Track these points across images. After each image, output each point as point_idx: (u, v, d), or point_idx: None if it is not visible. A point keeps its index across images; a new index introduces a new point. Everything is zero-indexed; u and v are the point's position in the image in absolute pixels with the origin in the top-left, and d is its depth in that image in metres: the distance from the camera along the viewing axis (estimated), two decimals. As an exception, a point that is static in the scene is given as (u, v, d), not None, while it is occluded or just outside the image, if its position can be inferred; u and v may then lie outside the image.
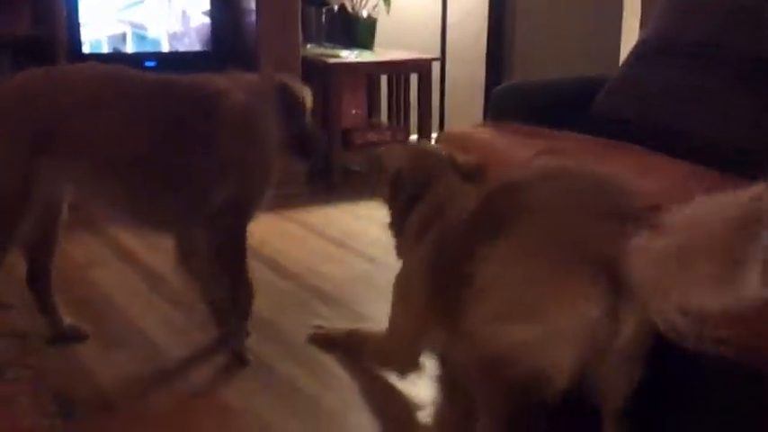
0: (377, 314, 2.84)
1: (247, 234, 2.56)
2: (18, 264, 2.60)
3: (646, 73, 2.72)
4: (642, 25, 3.51)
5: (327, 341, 2.66)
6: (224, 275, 2.54)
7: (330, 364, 2.57)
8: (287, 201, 3.98)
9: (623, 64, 2.90)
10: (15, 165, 2.30)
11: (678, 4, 2.75)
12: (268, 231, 3.68)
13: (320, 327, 2.74)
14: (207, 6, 4.28)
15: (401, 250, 2.31)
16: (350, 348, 2.58)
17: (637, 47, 2.87)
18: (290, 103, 2.58)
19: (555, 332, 1.60)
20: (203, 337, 2.66)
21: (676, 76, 2.61)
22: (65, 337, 2.63)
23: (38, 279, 2.61)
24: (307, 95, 2.65)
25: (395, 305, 2.31)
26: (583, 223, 1.71)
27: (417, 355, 2.28)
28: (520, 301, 1.66)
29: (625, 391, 1.75)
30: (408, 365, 2.31)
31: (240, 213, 2.52)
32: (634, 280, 1.57)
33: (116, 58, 4.07)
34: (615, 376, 1.72)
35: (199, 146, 2.42)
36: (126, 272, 3.28)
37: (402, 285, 2.27)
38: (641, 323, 1.58)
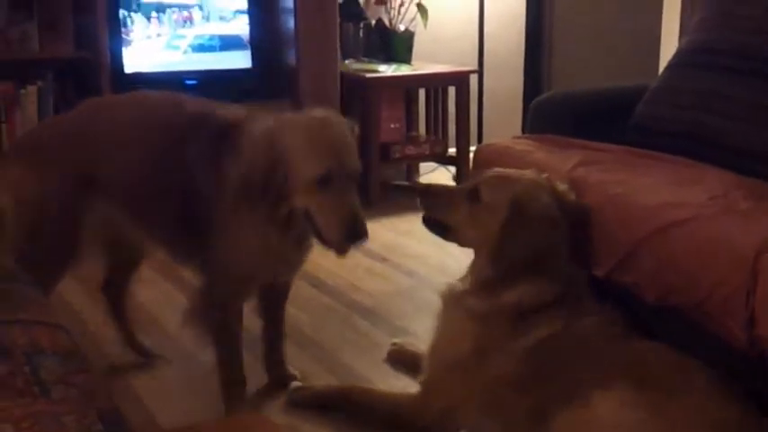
0: (418, 329, 2.84)
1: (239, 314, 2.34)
2: (65, 285, 2.64)
3: (685, 82, 2.69)
4: (681, 34, 3.49)
5: (314, 399, 2.43)
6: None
7: (373, 380, 2.57)
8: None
9: (663, 73, 2.88)
10: (59, 200, 2.29)
11: (718, 12, 2.72)
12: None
13: (299, 388, 2.48)
14: (246, 24, 4.33)
15: (481, 312, 2.14)
16: (348, 403, 2.37)
17: (676, 56, 2.85)
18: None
19: None
20: (248, 356, 2.67)
21: (717, 85, 2.58)
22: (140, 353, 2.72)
23: (115, 301, 2.70)
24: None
25: (448, 372, 2.17)
26: None
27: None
28: None
29: None
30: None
31: (224, 282, 2.26)
32: None
33: (158, 77, 4.13)
34: None
35: (211, 187, 2.19)
36: (171, 291, 3.31)
37: (467, 360, 2.13)
38: None
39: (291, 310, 3.06)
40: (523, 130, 4.03)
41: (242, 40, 4.34)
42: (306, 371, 2.61)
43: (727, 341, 1.89)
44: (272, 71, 4.39)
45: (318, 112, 2.12)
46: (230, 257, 2.19)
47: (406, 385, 2.49)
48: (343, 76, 4.43)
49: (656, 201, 2.16)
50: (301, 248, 2.26)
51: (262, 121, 2.13)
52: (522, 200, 2.12)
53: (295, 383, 2.50)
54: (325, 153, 2.00)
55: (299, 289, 3.28)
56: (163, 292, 3.28)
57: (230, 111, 2.26)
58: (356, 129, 2.16)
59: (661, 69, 3.01)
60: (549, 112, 3.02)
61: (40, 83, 3.94)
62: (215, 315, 2.28)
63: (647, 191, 2.23)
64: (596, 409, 1.84)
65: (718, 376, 1.88)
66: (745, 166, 2.38)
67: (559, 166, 2.47)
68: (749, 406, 1.83)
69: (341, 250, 2.05)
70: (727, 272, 1.87)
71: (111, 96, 2.59)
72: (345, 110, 4.42)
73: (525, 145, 2.72)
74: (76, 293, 3.12)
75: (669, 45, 3.94)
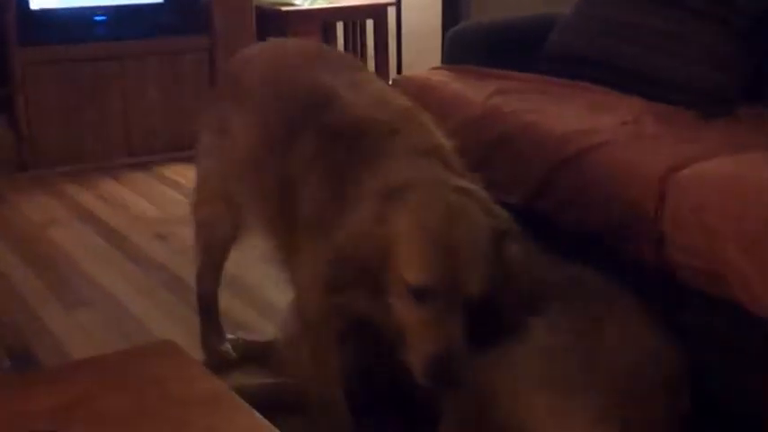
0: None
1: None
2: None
3: (597, 10, 2.70)
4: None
5: None
6: None
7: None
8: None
9: (577, 2, 2.89)
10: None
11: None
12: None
13: None
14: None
15: None
16: None
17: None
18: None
19: None
20: (165, 293, 2.65)
21: (628, 13, 2.60)
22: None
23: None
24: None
25: None
26: None
27: None
28: None
29: None
30: None
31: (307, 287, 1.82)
32: None
33: (65, 13, 4.00)
34: None
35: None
36: (86, 231, 3.25)
37: None
38: None
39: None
40: (442, 62, 4.03)
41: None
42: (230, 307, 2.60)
43: (639, 263, 1.94)
44: (185, 6, 4.28)
45: (459, 195, 1.62)
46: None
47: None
48: (257, 10, 4.36)
49: (569, 128, 2.18)
50: None
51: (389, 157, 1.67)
52: None
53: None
54: (432, 263, 1.54)
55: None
56: (79, 234, 3.22)
57: (354, 101, 1.83)
58: (507, 228, 1.66)
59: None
60: (465, 42, 3.02)
61: (-60, 21, 3.79)
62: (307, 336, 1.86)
63: (561, 118, 2.26)
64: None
65: (640, 303, 1.89)
66: (655, 92, 2.42)
67: (476, 96, 2.48)
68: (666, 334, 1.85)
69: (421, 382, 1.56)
70: (636, 195, 1.91)
71: (267, 43, 2.36)
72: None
73: (442, 76, 2.72)
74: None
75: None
